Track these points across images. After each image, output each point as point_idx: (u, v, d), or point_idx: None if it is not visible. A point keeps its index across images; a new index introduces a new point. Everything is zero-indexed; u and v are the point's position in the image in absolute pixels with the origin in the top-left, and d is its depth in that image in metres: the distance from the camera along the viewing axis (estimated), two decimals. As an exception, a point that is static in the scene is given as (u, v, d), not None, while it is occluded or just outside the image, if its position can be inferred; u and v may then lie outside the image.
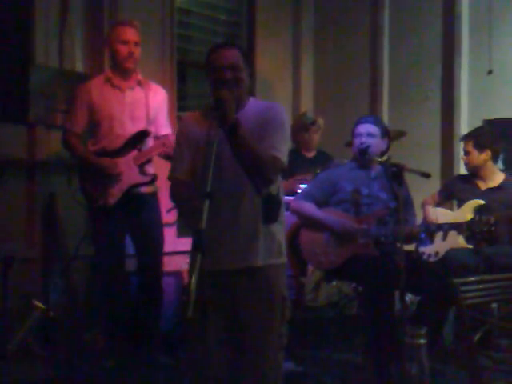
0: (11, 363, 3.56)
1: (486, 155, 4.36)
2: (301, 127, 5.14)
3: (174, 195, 2.76)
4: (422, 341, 2.36)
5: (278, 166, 2.62)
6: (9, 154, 4.30)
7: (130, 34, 3.90)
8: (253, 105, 2.73)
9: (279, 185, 2.73)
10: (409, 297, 3.97)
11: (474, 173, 4.45)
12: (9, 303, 3.64)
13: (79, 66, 4.73)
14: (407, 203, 3.95)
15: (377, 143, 3.93)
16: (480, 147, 4.36)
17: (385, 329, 3.55)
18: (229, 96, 2.50)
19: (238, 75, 2.63)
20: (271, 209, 2.65)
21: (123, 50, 3.88)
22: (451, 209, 4.77)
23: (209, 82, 2.68)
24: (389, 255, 3.77)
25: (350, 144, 4.18)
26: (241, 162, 2.56)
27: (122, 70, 3.92)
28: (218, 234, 2.58)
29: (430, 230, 3.97)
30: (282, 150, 2.64)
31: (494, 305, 3.85)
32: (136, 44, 3.91)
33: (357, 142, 3.94)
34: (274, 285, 2.70)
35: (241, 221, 2.63)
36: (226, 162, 2.53)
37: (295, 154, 5.11)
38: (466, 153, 4.43)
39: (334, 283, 4.52)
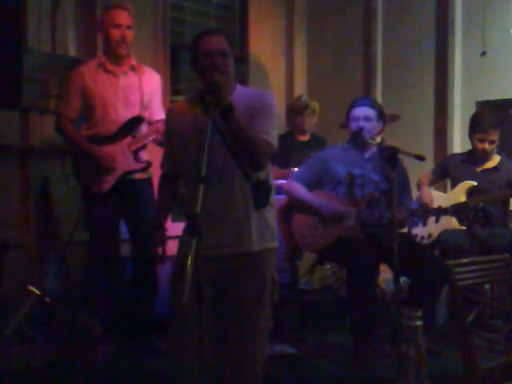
0: (7, 349, 3.57)
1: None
2: (294, 111, 5.14)
3: (160, 187, 2.89)
4: (419, 322, 2.39)
5: (270, 150, 2.64)
6: (2, 140, 4.30)
7: (123, 17, 3.87)
8: (240, 92, 2.74)
9: (268, 170, 2.75)
10: (402, 279, 4.00)
11: (474, 154, 4.43)
12: (4, 289, 3.65)
13: (72, 51, 4.72)
14: (404, 186, 3.96)
15: (373, 126, 3.94)
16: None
17: (363, 311, 3.61)
18: (222, 79, 2.52)
19: (226, 61, 2.65)
20: (261, 194, 2.67)
21: (116, 33, 3.85)
22: (444, 188, 4.79)
23: (196, 68, 2.69)
24: (376, 238, 3.80)
25: (344, 126, 4.19)
26: (234, 145, 2.57)
27: (114, 55, 3.90)
28: (210, 221, 2.59)
29: (416, 216, 3.99)
30: (273, 134, 2.65)
31: (487, 286, 3.88)
32: (128, 27, 3.88)
33: (353, 125, 3.95)
34: (266, 268, 2.73)
35: (231, 207, 2.65)
36: (215, 149, 2.54)
37: (289, 137, 5.12)
38: (492, 142, 4.31)
39: (328, 266, 4.56)
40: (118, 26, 3.84)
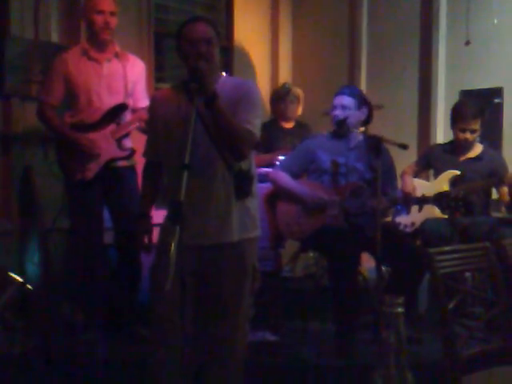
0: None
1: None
2: (278, 97, 5.14)
3: (144, 175, 2.90)
4: (400, 309, 2.40)
5: (252, 140, 2.65)
6: (-17, 127, 4.28)
7: (106, 3, 3.84)
8: (225, 81, 2.74)
9: (251, 160, 2.75)
10: (385, 268, 4.02)
11: (456, 144, 4.45)
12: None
13: (55, 37, 4.67)
14: (389, 176, 3.97)
15: (352, 114, 3.94)
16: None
17: (345, 300, 3.63)
18: (207, 67, 2.51)
19: (211, 49, 2.64)
20: (243, 184, 2.68)
21: (99, 20, 3.81)
22: (428, 178, 4.81)
23: (181, 55, 2.68)
24: (359, 228, 3.81)
25: (327, 114, 4.18)
26: (217, 134, 2.57)
27: (98, 42, 3.87)
28: (192, 210, 2.59)
29: (399, 205, 4.00)
30: (255, 124, 2.66)
31: (468, 274, 3.91)
32: (112, 14, 3.85)
33: (332, 113, 3.97)
34: (247, 257, 2.75)
35: (213, 197, 2.65)
36: (198, 138, 2.54)
37: (273, 124, 5.12)
38: (474, 131, 4.31)
39: (311, 254, 4.57)
40: (101, 12, 3.81)
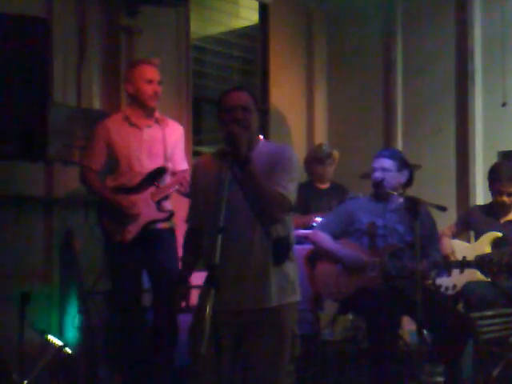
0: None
1: None
2: (316, 159, 5.16)
3: (186, 240, 2.94)
4: (439, 378, 2.35)
5: (286, 204, 2.66)
6: (27, 191, 4.37)
7: (154, 72, 3.94)
8: (263, 147, 2.79)
9: (289, 225, 2.76)
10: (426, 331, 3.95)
11: (495, 206, 4.41)
12: (25, 340, 3.64)
13: (96, 104, 4.80)
14: (431, 238, 3.93)
15: (392, 177, 3.94)
16: None
17: (385, 364, 3.55)
18: (240, 131, 2.57)
19: (248, 116, 2.70)
20: (281, 250, 2.68)
21: (148, 89, 3.90)
22: (468, 240, 4.75)
23: (220, 122, 2.75)
24: (399, 290, 3.76)
25: (364, 176, 4.19)
26: (250, 197, 2.60)
27: (143, 109, 3.95)
28: (230, 275, 2.60)
29: (440, 268, 3.94)
30: (289, 188, 2.68)
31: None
32: (159, 83, 3.95)
33: (372, 176, 3.98)
34: (286, 323, 2.72)
35: (251, 262, 2.65)
36: (236, 204, 2.57)
37: (309, 186, 5.13)
38: (510, 194, 4.29)
39: (350, 317, 4.51)
40: (150, 81, 3.91)
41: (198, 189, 2.82)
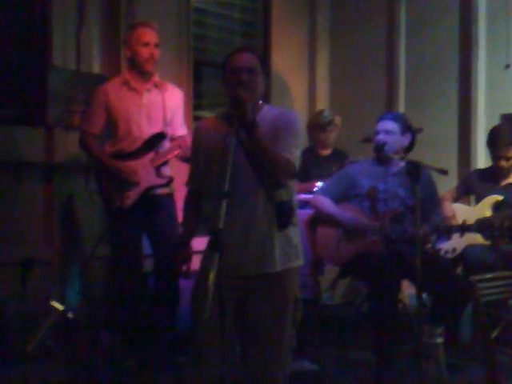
0: (30, 365, 3.60)
1: None
2: (317, 126, 5.13)
3: (186, 204, 2.91)
4: (439, 340, 2.37)
5: (291, 168, 2.65)
6: (27, 156, 4.36)
7: (151, 35, 3.91)
8: (267, 111, 2.76)
9: (292, 190, 2.75)
10: (425, 294, 3.97)
11: (496, 170, 4.39)
12: (27, 305, 3.68)
13: (96, 68, 4.77)
14: (432, 201, 3.93)
15: (396, 140, 3.92)
16: None
17: (386, 327, 3.58)
18: (246, 95, 2.53)
19: (253, 78, 2.67)
20: (284, 215, 2.67)
21: (144, 52, 3.88)
22: (469, 203, 4.75)
23: (225, 84, 2.71)
24: (399, 254, 3.77)
25: (366, 140, 4.17)
26: (255, 162, 2.58)
27: (141, 72, 3.93)
28: (233, 239, 2.59)
29: (441, 232, 3.95)
30: (294, 154, 2.66)
31: (512, 302, 3.83)
32: (156, 46, 3.92)
33: (375, 139, 3.95)
34: (290, 288, 2.72)
35: (254, 226, 2.64)
36: (240, 169, 2.55)
37: (311, 152, 5.11)
38: (508, 158, 4.28)
39: (349, 280, 4.53)
40: (147, 44, 3.88)
41: (199, 151, 2.79)
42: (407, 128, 3.99)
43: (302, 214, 4.04)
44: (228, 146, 2.43)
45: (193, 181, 2.86)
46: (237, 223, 2.60)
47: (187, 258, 2.85)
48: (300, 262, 2.78)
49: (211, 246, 2.30)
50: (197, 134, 2.86)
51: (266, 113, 2.73)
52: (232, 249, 2.56)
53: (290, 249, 2.72)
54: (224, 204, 2.32)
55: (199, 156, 2.79)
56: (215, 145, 2.66)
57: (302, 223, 3.73)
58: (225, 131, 2.60)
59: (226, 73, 2.70)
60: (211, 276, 2.20)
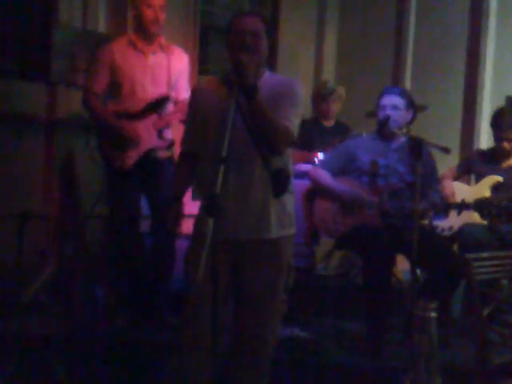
0: (23, 317, 3.62)
1: None
2: (319, 96, 5.10)
3: (178, 163, 2.89)
4: (433, 314, 2.38)
5: (289, 136, 2.63)
6: (29, 112, 4.34)
7: None
8: (268, 78, 2.73)
9: (288, 158, 2.73)
10: (419, 270, 3.99)
11: (498, 151, 4.39)
12: (23, 258, 3.69)
13: (102, 27, 4.74)
14: (431, 179, 3.93)
15: (401, 115, 3.90)
16: None
17: (378, 300, 3.61)
18: (248, 59, 2.51)
19: (257, 42, 2.63)
20: (280, 182, 2.65)
21: (149, 13, 3.85)
22: (469, 182, 4.75)
23: (228, 46, 2.68)
24: (396, 229, 3.78)
25: (370, 114, 4.15)
26: (253, 128, 2.56)
27: (146, 34, 3.90)
28: (228, 205, 2.58)
29: (439, 209, 3.95)
30: (294, 122, 2.64)
31: (505, 281, 3.85)
32: (161, 8, 3.88)
33: (381, 114, 3.92)
34: (283, 254, 2.73)
35: (250, 192, 2.64)
36: (237, 133, 2.51)
37: (313, 122, 5.09)
38: (511, 140, 4.27)
39: (345, 253, 4.55)
40: (151, 5, 3.84)
41: (197, 112, 2.75)
42: (411, 104, 3.97)
43: (301, 185, 4.05)
44: (227, 110, 2.41)
45: (187, 141, 2.82)
46: (233, 189, 2.59)
47: (179, 213, 2.84)
48: (293, 230, 2.79)
49: (207, 211, 2.29)
50: (194, 94, 2.83)
51: (268, 79, 2.71)
52: (228, 214, 2.56)
53: (284, 216, 2.72)
54: (221, 169, 2.31)
55: (196, 117, 2.75)
56: (213, 108, 2.64)
57: (299, 193, 3.73)
58: (224, 95, 2.57)
59: (230, 35, 2.67)
60: (206, 240, 2.21)
